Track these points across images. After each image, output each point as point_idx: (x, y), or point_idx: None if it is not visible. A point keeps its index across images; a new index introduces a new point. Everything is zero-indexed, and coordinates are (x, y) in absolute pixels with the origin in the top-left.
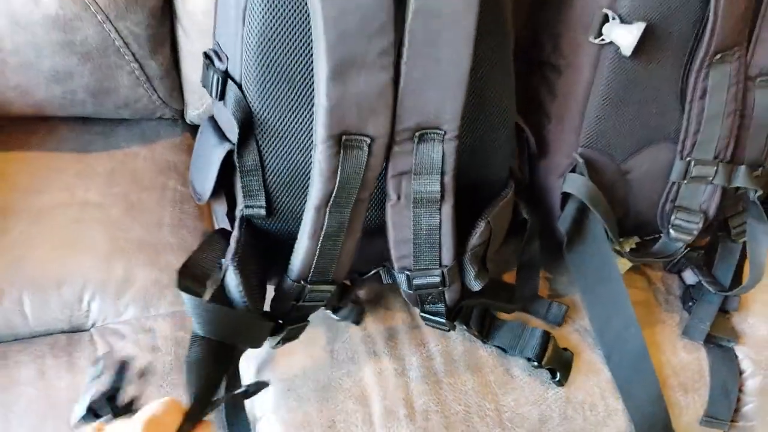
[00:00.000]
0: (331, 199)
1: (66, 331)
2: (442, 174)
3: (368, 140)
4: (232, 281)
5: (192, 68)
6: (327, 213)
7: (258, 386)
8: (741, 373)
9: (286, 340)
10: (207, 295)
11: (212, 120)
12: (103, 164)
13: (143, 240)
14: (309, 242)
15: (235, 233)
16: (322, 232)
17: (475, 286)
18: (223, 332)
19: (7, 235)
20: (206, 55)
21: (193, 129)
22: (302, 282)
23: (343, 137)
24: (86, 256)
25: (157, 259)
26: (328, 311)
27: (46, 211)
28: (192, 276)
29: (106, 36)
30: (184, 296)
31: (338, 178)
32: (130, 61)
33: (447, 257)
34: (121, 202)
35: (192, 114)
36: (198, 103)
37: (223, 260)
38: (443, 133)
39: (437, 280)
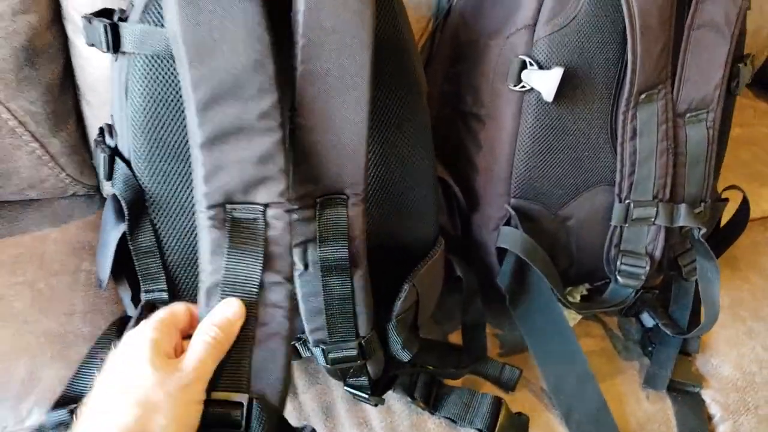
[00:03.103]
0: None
1: None
2: (350, 240)
3: (261, 208)
4: None
5: None
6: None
7: None
8: (710, 418)
9: None
10: None
11: (114, 198)
12: (8, 251)
13: (51, 332)
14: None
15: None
16: None
17: (404, 356)
18: None
19: None
20: (101, 131)
21: None
22: None
23: (227, 206)
24: None
25: (67, 352)
26: None
27: None
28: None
29: None
30: None
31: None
32: (29, 140)
33: (364, 328)
34: (27, 292)
35: (108, 189)
36: None
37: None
38: (346, 197)
39: (354, 353)
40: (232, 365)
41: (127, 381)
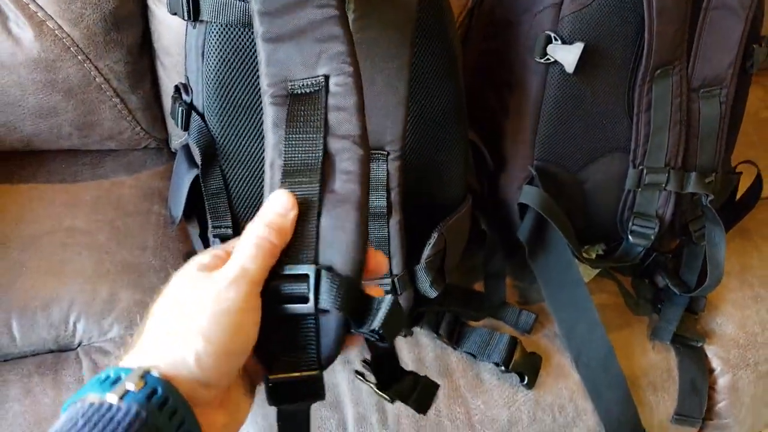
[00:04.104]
0: None
1: (54, 351)
2: (388, 191)
3: (321, 79)
4: None
5: None
6: None
7: None
8: (712, 371)
9: None
10: None
11: (185, 148)
12: (91, 193)
13: (127, 262)
14: None
15: None
16: None
17: (432, 293)
18: None
19: None
20: (176, 88)
21: None
22: None
23: (288, 84)
24: (73, 279)
25: (141, 280)
26: None
27: (35, 239)
28: None
29: (86, 74)
30: None
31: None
32: (112, 96)
33: (397, 267)
34: (107, 228)
35: (175, 143)
36: (181, 132)
37: None
38: (386, 153)
39: (388, 288)
40: (297, 238)
41: (169, 299)
